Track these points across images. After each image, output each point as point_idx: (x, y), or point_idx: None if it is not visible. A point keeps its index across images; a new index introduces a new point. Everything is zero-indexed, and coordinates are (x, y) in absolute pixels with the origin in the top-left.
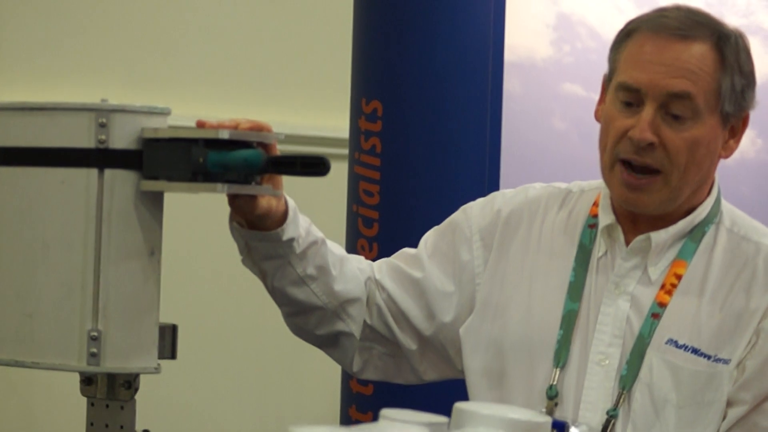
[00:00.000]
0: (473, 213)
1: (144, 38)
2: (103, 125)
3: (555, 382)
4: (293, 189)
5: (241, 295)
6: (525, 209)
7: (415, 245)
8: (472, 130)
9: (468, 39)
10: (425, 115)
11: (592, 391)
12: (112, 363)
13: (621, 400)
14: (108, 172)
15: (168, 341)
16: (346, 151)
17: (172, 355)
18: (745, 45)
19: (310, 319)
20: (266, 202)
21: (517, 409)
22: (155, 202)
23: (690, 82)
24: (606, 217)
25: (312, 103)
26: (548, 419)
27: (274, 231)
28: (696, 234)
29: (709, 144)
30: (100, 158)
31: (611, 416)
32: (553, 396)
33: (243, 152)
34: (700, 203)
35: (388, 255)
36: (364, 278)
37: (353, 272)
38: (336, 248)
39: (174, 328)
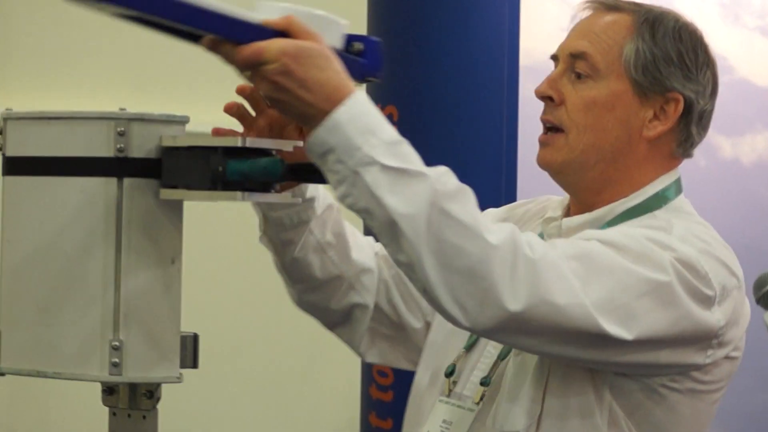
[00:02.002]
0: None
1: (160, 46)
2: (121, 134)
3: (457, 362)
4: None
5: (262, 303)
6: (518, 216)
7: None
8: (488, 134)
9: (483, 44)
10: (440, 120)
11: (480, 367)
12: (134, 373)
13: (493, 370)
14: (127, 181)
15: (189, 350)
16: None
17: (194, 364)
18: (679, 30)
19: (326, 292)
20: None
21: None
22: (175, 210)
23: (588, 43)
24: (554, 212)
25: None
26: (338, 19)
27: (296, 187)
28: (616, 223)
29: (614, 109)
30: (119, 167)
31: (482, 384)
32: (449, 374)
33: (263, 161)
34: (631, 194)
35: None
36: (372, 251)
37: (364, 242)
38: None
39: (195, 337)
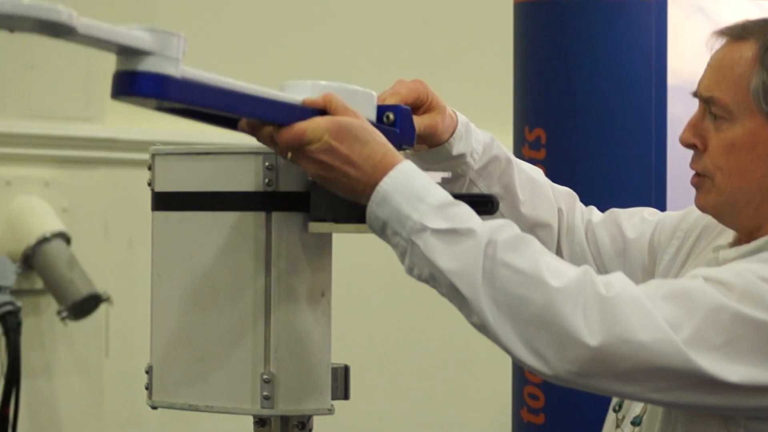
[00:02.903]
0: (696, 214)
1: (308, 73)
2: (270, 168)
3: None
4: None
5: (411, 333)
6: (698, 229)
7: None
8: (637, 155)
9: (630, 64)
10: (589, 142)
11: (640, 404)
12: (285, 405)
13: (643, 410)
14: (276, 215)
15: (340, 382)
16: None
17: (345, 396)
18: None
19: None
20: (429, 119)
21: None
22: (323, 243)
23: (715, 84)
24: (725, 239)
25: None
26: (368, 91)
27: (442, 145)
28: None
29: (755, 148)
30: (268, 201)
31: (633, 423)
32: (617, 409)
33: None
34: None
35: None
36: (556, 206)
37: (545, 197)
38: (532, 171)
39: (346, 369)
